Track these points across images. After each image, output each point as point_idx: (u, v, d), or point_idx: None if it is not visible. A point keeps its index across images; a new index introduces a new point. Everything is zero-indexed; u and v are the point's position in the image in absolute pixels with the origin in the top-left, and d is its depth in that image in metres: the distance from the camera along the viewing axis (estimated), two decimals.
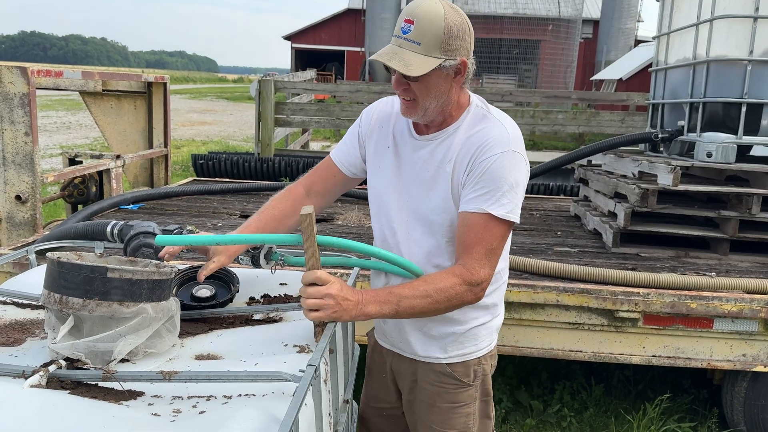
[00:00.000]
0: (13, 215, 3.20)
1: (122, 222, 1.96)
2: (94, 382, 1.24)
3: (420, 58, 1.45)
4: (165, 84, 4.63)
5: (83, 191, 3.85)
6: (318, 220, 4.01)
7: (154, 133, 4.65)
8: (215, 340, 1.50)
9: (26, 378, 1.22)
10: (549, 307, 2.64)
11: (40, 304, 1.68)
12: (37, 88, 3.23)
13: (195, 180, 5.17)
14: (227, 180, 5.46)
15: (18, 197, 3.17)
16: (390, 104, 1.73)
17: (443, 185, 1.57)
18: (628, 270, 2.83)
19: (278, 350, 1.42)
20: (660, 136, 3.69)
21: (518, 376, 3.42)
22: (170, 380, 1.20)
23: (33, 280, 1.81)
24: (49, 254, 1.37)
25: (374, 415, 1.91)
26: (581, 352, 2.71)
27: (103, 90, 4.46)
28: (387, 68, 1.53)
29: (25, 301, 1.67)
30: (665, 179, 3.20)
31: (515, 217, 1.54)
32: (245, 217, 3.89)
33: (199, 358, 1.41)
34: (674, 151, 3.76)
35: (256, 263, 1.72)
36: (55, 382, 1.21)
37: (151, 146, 4.68)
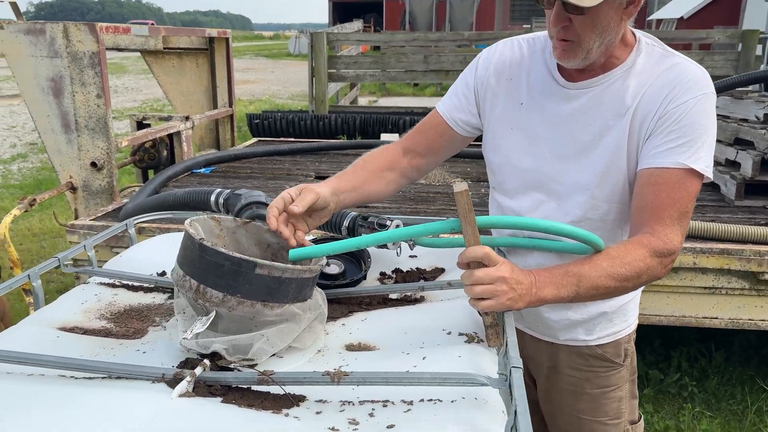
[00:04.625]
0: (90, 183, 3.06)
1: (228, 191, 1.76)
2: (246, 386, 1.04)
3: None
4: (227, 39, 4.40)
5: (154, 156, 3.69)
6: None
7: (219, 92, 4.45)
8: (361, 326, 1.29)
9: (167, 382, 1.03)
10: (683, 271, 2.37)
11: (152, 286, 1.51)
12: None
13: (260, 141, 4.98)
14: (292, 140, 5.26)
15: (93, 164, 3.01)
16: (517, 49, 1.42)
17: (611, 142, 1.29)
18: (762, 225, 2.52)
19: (442, 339, 1.21)
20: None
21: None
22: (339, 383, 1.00)
23: (139, 258, 1.63)
24: (187, 224, 1.17)
25: None
26: (716, 318, 2.44)
27: (164, 48, 4.25)
28: (537, 1, 1.25)
29: (136, 283, 1.49)
30: None
31: (711, 174, 1.27)
32: (321, 178, 3.68)
33: (351, 348, 1.20)
34: None
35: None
36: (202, 387, 1.02)
37: (215, 106, 4.49)
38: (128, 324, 1.32)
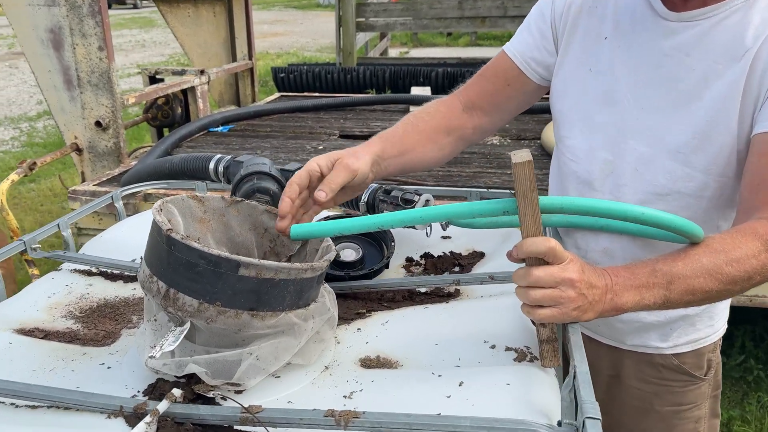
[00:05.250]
0: (95, 144, 2.83)
1: (228, 157, 1.50)
2: (227, 424, 0.80)
3: None
4: None
5: (168, 113, 3.45)
6: None
7: (237, 44, 4.15)
8: (381, 332, 1.03)
9: (125, 416, 0.80)
10: None
11: (134, 275, 1.27)
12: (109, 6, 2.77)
13: (282, 96, 4.69)
14: (316, 95, 4.96)
15: (98, 123, 2.78)
16: None
17: (718, 94, 0.98)
18: None
19: (483, 355, 0.94)
20: None
21: None
22: (347, 428, 0.74)
23: (123, 239, 1.40)
24: (156, 209, 0.92)
25: None
26: None
27: None
28: None
29: (116, 271, 1.25)
30: None
31: None
32: (345, 137, 3.39)
33: (367, 363, 0.95)
34: None
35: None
36: (169, 427, 0.78)
37: (234, 59, 4.20)
38: (99, 325, 1.09)
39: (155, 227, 0.88)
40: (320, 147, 3.16)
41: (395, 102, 4.18)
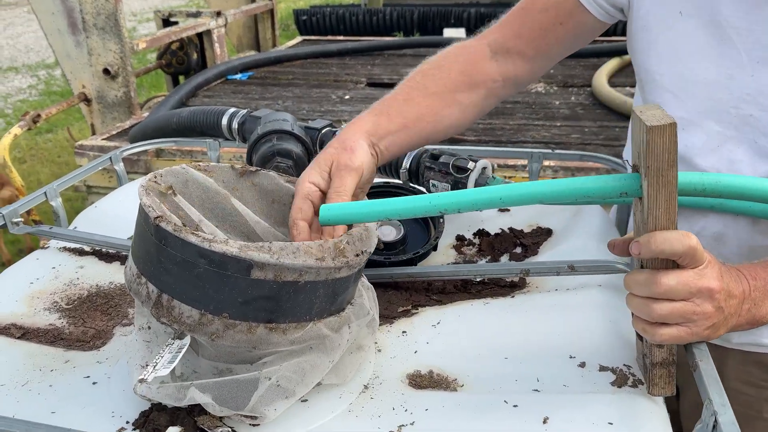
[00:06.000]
0: (104, 94, 2.62)
1: (243, 112, 1.27)
2: None
3: None
4: None
5: (183, 59, 3.21)
6: None
7: None
8: (432, 337, 0.82)
9: None
10: None
11: None
12: None
13: (305, 40, 4.41)
14: (341, 38, 4.66)
15: (106, 71, 2.56)
16: None
17: None
18: None
19: (570, 375, 0.73)
20: None
21: None
22: None
23: (122, 208, 1.19)
24: (142, 187, 0.71)
25: None
26: None
27: None
28: None
29: (112, 250, 1.06)
30: None
31: None
32: (373, 85, 3.13)
33: (418, 382, 0.74)
34: None
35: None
36: None
37: (253, 0, 3.90)
38: (88, 321, 0.90)
39: (142, 214, 0.67)
40: (346, 96, 2.91)
41: (427, 45, 3.87)
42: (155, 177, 0.74)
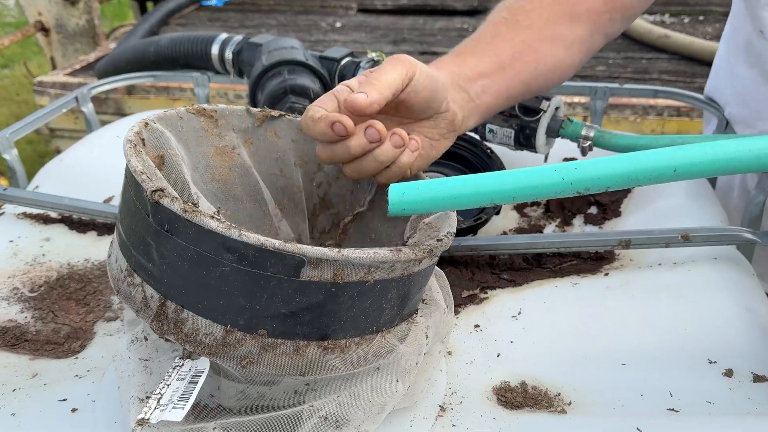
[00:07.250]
0: (64, 22, 2.30)
1: (239, 37, 1.03)
2: None
3: None
4: None
5: None
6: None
7: None
8: (516, 333, 0.63)
9: None
10: None
11: (112, 222, 0.86)
12: None
13: None
14: None
15: None
16: None
17: None
18: None
19: (713, 387, 0.55)
20: None
21: None
22: None
23: (95, 161, 0.97)
24: (129, 141, 0.48)
25: None
26: None
27: None
28: None
29: (85, 216, 0.84)
30: None
31: None
32: (365, 11, 2.83)
33: (507, 399, 0.56)
34: None
35: (525, 142, 0.80)
36: None
37: None
38: (60, 313, 0.69)
39: (131, 181, 0.46)
40: (337, 24, 2.62)
41: None
42: (143, 125, 0.52)
